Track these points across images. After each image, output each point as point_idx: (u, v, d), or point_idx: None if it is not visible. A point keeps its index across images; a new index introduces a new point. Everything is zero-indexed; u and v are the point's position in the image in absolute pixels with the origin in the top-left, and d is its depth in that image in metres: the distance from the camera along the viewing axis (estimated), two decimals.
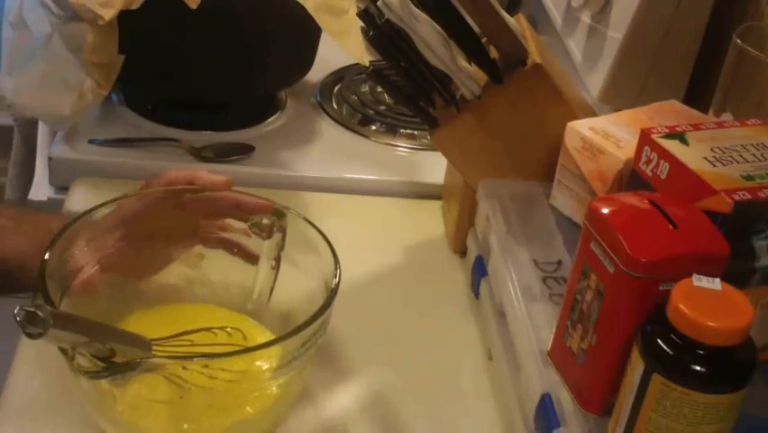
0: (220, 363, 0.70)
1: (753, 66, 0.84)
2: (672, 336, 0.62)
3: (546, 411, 0.71)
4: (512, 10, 1.30)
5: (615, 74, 1.07)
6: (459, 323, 0.95)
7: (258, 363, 0.75)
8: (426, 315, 0.96)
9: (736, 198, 0.67)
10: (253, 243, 0.85)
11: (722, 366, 0.61)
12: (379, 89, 1.31)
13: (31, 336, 0.62)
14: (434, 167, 1.12)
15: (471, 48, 0.90)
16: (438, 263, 1.04)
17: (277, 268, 0.85)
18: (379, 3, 0.84)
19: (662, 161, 0.73)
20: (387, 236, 1.07)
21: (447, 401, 0.86)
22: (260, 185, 1.03)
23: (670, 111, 0.89)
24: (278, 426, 0.80)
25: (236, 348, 0.75)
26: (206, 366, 0.70)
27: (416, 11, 0.85)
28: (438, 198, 1.12)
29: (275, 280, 0.85)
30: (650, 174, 0.75)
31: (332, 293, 0.75)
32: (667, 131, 0.75)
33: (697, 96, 1.05)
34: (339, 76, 1.35)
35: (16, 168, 1.75)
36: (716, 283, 0.63)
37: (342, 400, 0.85)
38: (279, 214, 0.84)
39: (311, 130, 1.23)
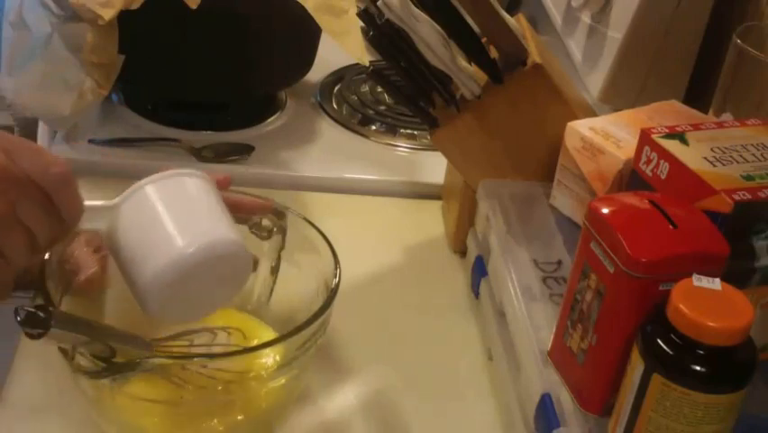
0: (220, 363, 0.70)
1: (753, 66, 0.84)
2: (672, 336, 0.62)
3: (546, 411, 0.71)
4: (512, 10, 1.30)
5: (615, 74, 1.07)
6: (459, 323, 0.95)
7: (257, 363, 0.75)
8: (426, 315, 0.96)
9: (736, 198, 0.67)
10: (253, 243, 0.85)
11: (722, 366, 0.61)
12: (379, 89, 1.31)
13: (31, 336, 0.62)
14: (434, 167, 1.12)
15: (471, 48, 0.90)
16: (438, 263, 1.04)
17: (276, 269, 0.85)
18: (379, 3, 0.83)
19: (662, 161, 0.73)
20: (387, 236, 1.07)
21: (447, 401, 0.86)
22: (260, 185, 1.03)
23: (670, 111, 0.89)
24: (279, 426, 0.80)
25: (236, 348, 0.74)
26: (206, 366, 0.70)
27: (416, 11, 0.85)
28: (438, 198, 1.12)
29: (275, 282, 0.85)
30: (650, 174, 0.75)
31: (332, 293, 0.75)
32: (667, 131, 0.75)
33: (697, 96, 1.05)
34: (339, 76, 1.35)
35: None
36: (716, 283, 0.63)
37: (342, 400, 0.85)
38: (279, 214, 0.84)
39: (311, 130, 1.23)
